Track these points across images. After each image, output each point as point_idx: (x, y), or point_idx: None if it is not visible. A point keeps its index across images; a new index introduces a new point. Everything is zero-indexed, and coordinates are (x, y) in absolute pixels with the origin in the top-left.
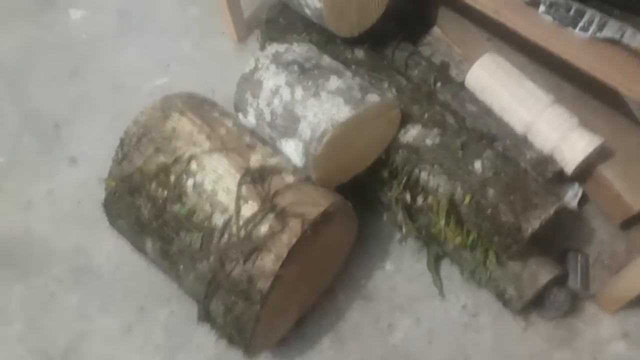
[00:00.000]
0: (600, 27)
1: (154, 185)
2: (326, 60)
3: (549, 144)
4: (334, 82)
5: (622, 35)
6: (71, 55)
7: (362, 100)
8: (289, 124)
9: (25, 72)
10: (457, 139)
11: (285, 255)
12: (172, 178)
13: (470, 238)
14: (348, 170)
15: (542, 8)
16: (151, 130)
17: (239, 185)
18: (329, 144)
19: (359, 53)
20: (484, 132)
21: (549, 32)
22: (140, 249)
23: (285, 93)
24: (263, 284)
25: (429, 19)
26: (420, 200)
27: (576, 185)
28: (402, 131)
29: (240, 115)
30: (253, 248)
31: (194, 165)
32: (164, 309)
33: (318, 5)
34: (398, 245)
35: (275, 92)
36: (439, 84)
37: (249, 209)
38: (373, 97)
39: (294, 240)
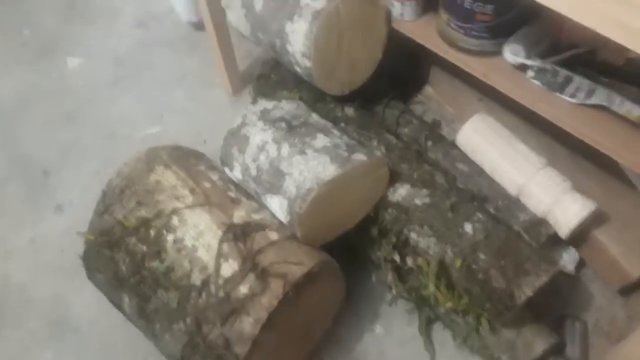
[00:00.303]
0: (589, 94)
1: (133, 239)
2: (314, 118)
3: (541, 207)
4: (320, 140)
5: (610, 103)
6: (66, 102)
7: (349, 159)
8: (274, 181)
9: (19, 117)
10: (447, 199)
11: (265, 318)
12: (152, 233)
13: (462, 303)
14: (334, 228)
15: (530, 73)
16: (134, 182)
17: (220, 242)
18: (314, 202)
19: (349, 111)
20: (475, 193)
21: (537, 96)
22: (117, 305)
23: (272, 149)
24: (241, 349)
25: (421, 78)
26: (410, 261)
27: (572, 249)
28: (391, 190)
29: (227, 170)
30: (231, 310)
31: (175, 221)
32: None
33: (308, 64)
34: (388, 307)
35: (262, 148)
36: (429, 143)
37: (229, 267)
38: (360, 156)
39: (275, 302)
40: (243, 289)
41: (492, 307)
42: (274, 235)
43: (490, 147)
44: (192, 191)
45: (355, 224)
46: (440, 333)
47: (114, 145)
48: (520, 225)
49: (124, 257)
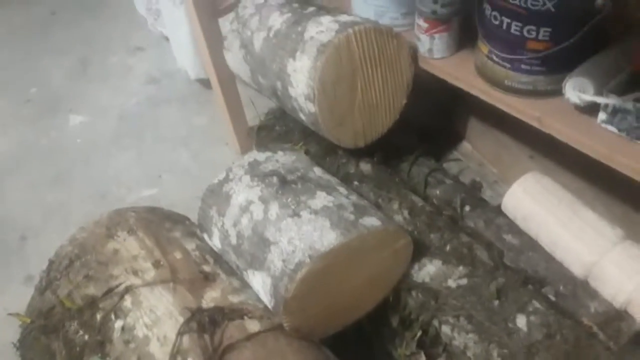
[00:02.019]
0: None
1: (74, 325)
2: (316, 172)
3: (621, 296)
4: (320, 200)
5: None
6: (59, 161)
7: (356, 224)
8: (256, 252)
9: (6, 177)
10: (491, 281)
11: None
12: (98, 317)
13: None
14: (338, 317)
15: (602, 116)
16: (87, 251)
17: (179, 334)
18: (306, 281)
19: (365, 167)
20: (528, 274)
21: (613, 146)
22: None
23: (257, 211)
24: None
25: (456, 132)
26: None
27: None
28: (416, 267)
29: (206, 237)
30: None
31: (127, 302)
32: None
33: (312, 109)
34: None
35: (245, 209)
36: (467, 208)
37: None
38: (371, 221)
39: None
40: None
41: None
42: (253, 326)
43: (547, 214)
44: (156, 264)
45: (368, 310)
46: None
47: (102, 209)
48: (591, 319)
49: (60, 348)
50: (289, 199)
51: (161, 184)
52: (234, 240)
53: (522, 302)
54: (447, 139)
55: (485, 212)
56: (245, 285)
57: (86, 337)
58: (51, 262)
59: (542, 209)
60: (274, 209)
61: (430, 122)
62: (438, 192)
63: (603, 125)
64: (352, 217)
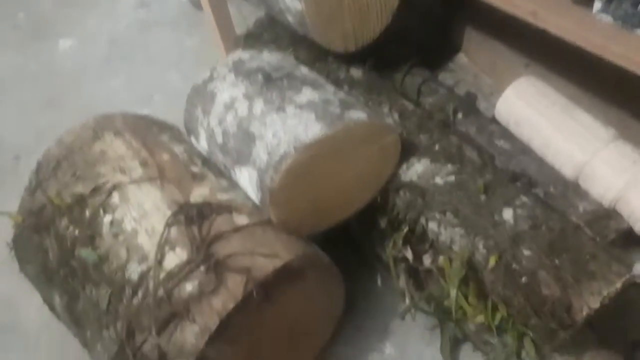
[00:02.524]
0: None
1: (64, 221)
2: (302, 70)
3: (611, 193)
4: (306, 95)
5: None
6: (50, 85)
7: (341, 117)
8: (242, 147)
9: None
10: (479, 178)
11: (214, 327)
12: (88, 213)
13: (498, 317)
14: (326, 214)
15: (597, 5)
16: (75, 152)
17: (167, 225)
18: (291, 172)
19: (356, 72)
20: (518, 173)
21: (607, 35)
22: (50, 305)
23: (242, 107)
24: None
25: (452, 45)
26: (427, 260)
27: None
28: (404, 166)
29: (193, 140)
30: (170, 314)
31: (115, 198)
32: None
33: (299, 6)
34: (402, 321)
35: (230, 106)
36: (459, 115)
37: (175, 258)
38: (358, 114)
39: (231, 306)
40: (189, 287)
41: (540, 324)
42: (242, 220)
43: (540, 117)
44: (143, 163)
45: (357, 210)
46: (469, 356)
47: None
48: (580, 217)
49: (52, 244)
50: (274, 95)
51: (153, 105)
52: (219, 139)
53: (509, 196)
54: (442, 51)
55: (478, 119)
56: (234, 186)
57: (76, 232)
58: (39, 164)
59: (534, 112)
60: (259, 105)
61: (425, 34)
62: (431, 100)
63: (598, 15)
64: (337, 110)
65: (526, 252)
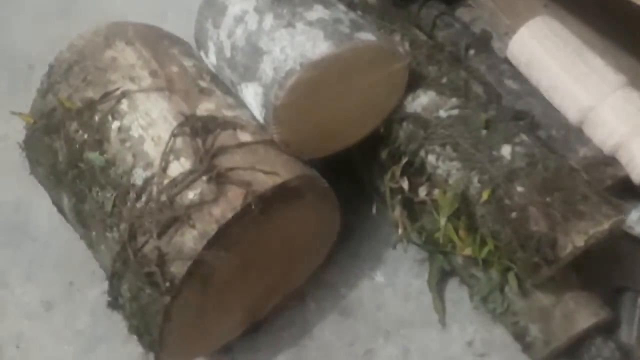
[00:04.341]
0: None
1: (74, 125)
2: None
3: (612, 139)
4: (317, 12)
5: None
6: None
7: (350, 37)
8: (249, 63)
9: (10, 11)
10: (482, 113)
11: (213, 233)
12: (97, 118)
13: (485, 251)
14: (329, 139)
15: None
16: (86, 58)
17: (173, 135)
18: (296, 90)
19: None
20: (521, 112)
21: None
22: (59, 207)
23: (252, 21)
24: (177, 269)
25: None
26: (423, 192)
27: None
28: (410, 97)
29: (203, 55)
30: (172, 219)
31: (124, 105)
32: (96, 289)
33: None
34: (394, 251)
35: (240, 19)
36: (472, 52)
37: (179, 167)
38: (367, 36)
39: (229, 215)
40: (191, 195)
41: (525, 258)
42: (245, 137)
43: (550, 58)
44: (153, 74)
45: (360, 138)
46: (455, 290)
47: None
48: (579, 162)
49: (62, 146)
50: (285, 10)
51: (166, 22)
52: (228, 53)
53: (510, 133)
54: None
55: (490, 57)
56: (240, 104)
57: (85, 136)
58: (51, 67)
59: (546, 53)
60: (269, 19)
61: None
62: (444, 33)
63: None
64: (347, 30)
65: (519, 189)
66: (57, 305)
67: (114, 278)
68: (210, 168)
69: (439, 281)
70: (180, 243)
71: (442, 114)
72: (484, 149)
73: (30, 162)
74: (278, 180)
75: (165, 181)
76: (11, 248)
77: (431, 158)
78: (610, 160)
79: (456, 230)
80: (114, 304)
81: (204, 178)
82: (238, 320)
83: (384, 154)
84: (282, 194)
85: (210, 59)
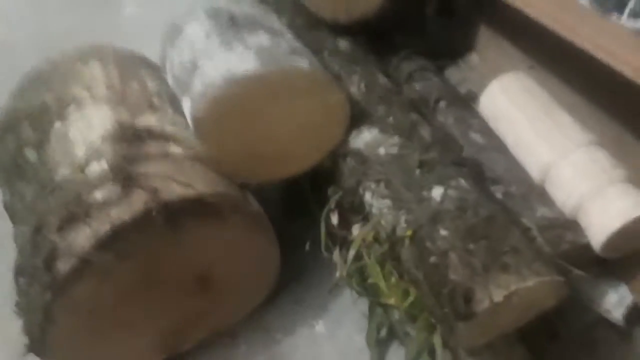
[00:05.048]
0: None
1: (26, 125)
2: (271, 21)
3: (572, 199)
4: (258, 37)
5: None
6: None
7: (280, 60)
8: (186, 78)
9: None
10: (422, 154)
11: (104, 233)
12: (46, 120)
13: (408, 300)
14: (265, 164)
15: None
16: (57, 70)
17: (102, 139)
18: (218, 104)
19: (342, 44)
20: (466, 160)
21: (580, 19)
22: (4, 203)
23: (199, 43)
24: (63, 265)
25: (468, 43)
26: (355, 231)
27: (623, 287)
28: (355, 133)
29: (167, 78)
30: (71, 215)
31: (71, 109)
32: None
33: None
34: (341, 301)
35: (190, 41)
36: (442, 104)
37: (97, 168)
38: (300, 61)
39: (126, 218)
40: (98, 195)
41: (441, 311)
42: (175, 149)
43: (518, 112)
44: (110, 87)
45: (302, 169)
46: (395, 351)
47: None
48: (536, 221)
49: (11, 144)
50: (230, 35)
51: None
52: (176, 71)
53: (445, 177)
54: (456, 48)
55: (460, 111)
56: (188, 125)
57: (32, 135)
58: (26, 75)
59: (514, 107)
60: (214, 41)
61: (441, 29)
62: (418, 87)
63: None
64: (282, 54)
65: (442, 232)
66: None
67: (17, 274)
68: (122, 171)
69: (381, 340)
70: (73, 240)
71: (382, 150)
72: (415, 189)
73: None
74: (190, 192)
75: (79, 179)
76: None
77: (367, 195)
78: (570, 224)
79: (383, 276)
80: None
81: (115, 180)
82: (150, 346)
83: (330, 190)
84: (194, 209)
85: (169, 79)
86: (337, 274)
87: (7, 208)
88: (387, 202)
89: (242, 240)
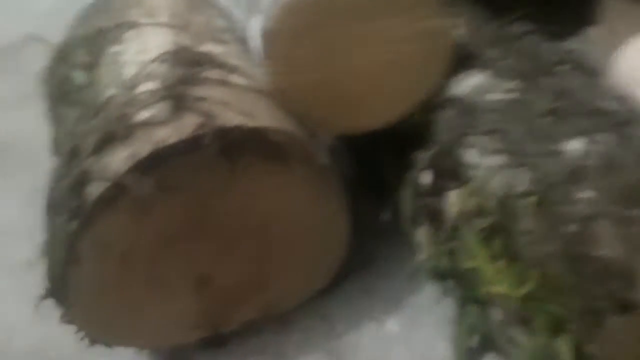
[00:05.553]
0: None
1: (82, 50)
2: None
3: None
4: None
5: None
6: None
7: None
8: None
9: None
10: (552, 102)
11: (144, 154)
12: (102, 44)
13: (524, 288)
14: (344, 107)
15: None
16: None
17: (155, 60)
18: (294, 11)
19: None
20: (610, 111)
21: None
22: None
23: None
24: (94, 189)
25: (588, 11)
26: (451, 199)
27: None
28: (458, 78)
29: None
30: (111, 135)
31: (129, 34)
32: None
33: None
34: (421, 298)
35: None
36: (567, 67)
37: (147, 87)
38: None
39: (172, 140)
40: (144, 114)
41: (582, 299)
42: (238, 80)
43: None
44: (173, 15)
45: (388, 119)
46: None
47: None
48: None
49: (63, 71)
50: None
51: None
52: None
53: (585, 128)
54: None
55: (587, 76)
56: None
57: (86, 59)
58: (91, 4)
59: None
60: None
61: None
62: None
63: None
64: None
65: (586, 193)
66: None
67: (47, 206)
68: (174, 90)
69: (473, 351)
70: (109, 162)
71: (495, 96)
72: (545, 140)
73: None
74: (251, 122)
75: (124, 99)
76: None
77: (471, 153)
78: None
79: (493, 258)
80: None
81: (166, 101)
82: (187, 317)
83: (415, 153)
84: (254, 144)
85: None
86: (420, 258)
87: (53, 141)
88: (501, 158)
89: (307, 199)
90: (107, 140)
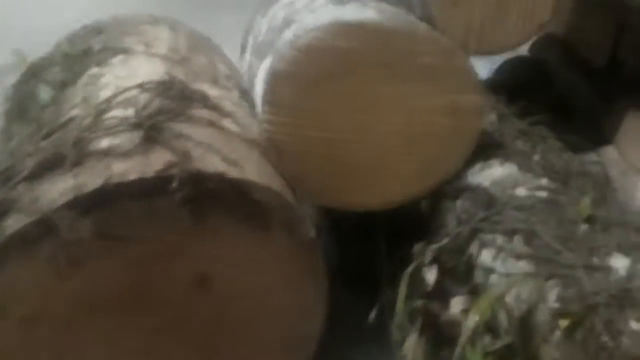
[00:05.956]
0: None
1: (58, 68)
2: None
3: None
4: (381, 5)
5: None
6: None
7: (403, 16)
8: (274, 37)
9: None
10: (589, 208)
11: (88, 189)
12: (84, 65)
13: None
14: (347, 179)
15: None
16: (120, 24)
17: (137, 87)
18: (310, 54)
19: None
20: None
21: None
22: None
23: (301, 2)
24: (14, 222)
25: (601, 135)
26: (457, 306)
27: None
28: (479, 166)
29: (244, 58)
30: (57, 159)
31: (117, 59)
32: None
33: None
34: None
35: (290, 3)
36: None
37: (116, 114)
38: (436, 34)
39: (130, 177)
40: (106, 142)
41: None
42: (228, 125)
43: None
44: (172, 49)
45: (393, 202)
46: None
47: None
48: None
49: (31, 85)
50: None
51: None
52: (260, 37)
53: (627, 242)
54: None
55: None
56: (254, 115)
57: (59, 76)
58: (83, 27)
59: None
60: (321, 1)
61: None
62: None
63: None
64: (405, 16)
65: (634, 324)
66: None
67: None
68: (148, 120)
69: None
70: (44, 192)
71: (521, 192)
72: (580, 250)
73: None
74: (234, 173)
75: (87, 121)
76: None
77: (487, 254)
78: None
79: None
80: None
81: (135, 130)
82: None
83: (418, 244)
84: (233, 200)
85: (246, 57)
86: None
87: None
88: (525, 265)
89: (283, 279)
90: (50, 166)
